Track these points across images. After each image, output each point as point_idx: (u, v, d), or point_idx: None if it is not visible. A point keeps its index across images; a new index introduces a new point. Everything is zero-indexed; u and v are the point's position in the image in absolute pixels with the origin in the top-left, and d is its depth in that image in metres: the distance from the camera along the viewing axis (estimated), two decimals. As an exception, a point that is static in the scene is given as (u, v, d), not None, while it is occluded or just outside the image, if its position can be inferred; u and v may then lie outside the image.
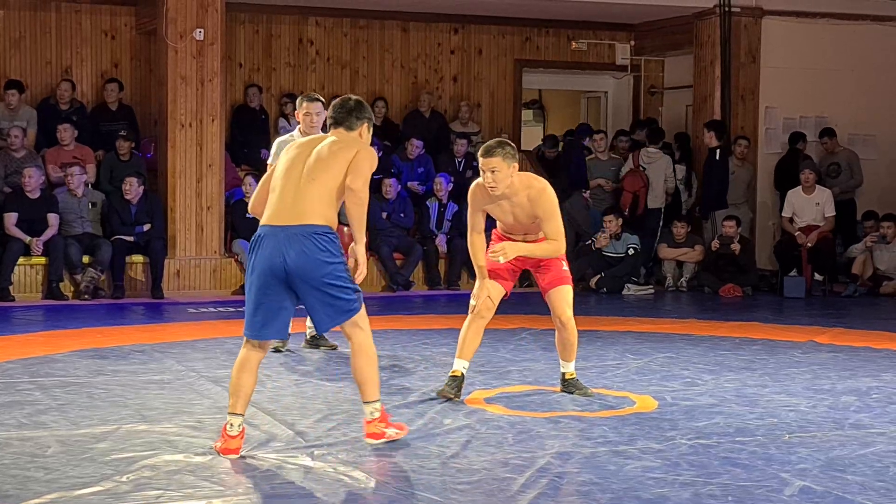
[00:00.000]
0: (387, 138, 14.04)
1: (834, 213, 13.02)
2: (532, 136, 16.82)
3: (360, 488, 4.77)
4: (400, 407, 6.38)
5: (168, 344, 8.65)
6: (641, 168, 13.55)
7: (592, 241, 13.07)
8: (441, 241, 12.97)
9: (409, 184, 13.51)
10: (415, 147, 13.64)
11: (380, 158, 13.33)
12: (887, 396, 6.85)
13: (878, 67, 14.30)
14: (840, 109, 14.18)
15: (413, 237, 13.12)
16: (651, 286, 12.95)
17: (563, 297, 6.56)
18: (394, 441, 5.50)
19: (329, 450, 5.38)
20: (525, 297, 12.50)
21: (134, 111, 13.28)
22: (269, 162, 8.40)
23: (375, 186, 13.16)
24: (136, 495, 4.62)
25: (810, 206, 13.04)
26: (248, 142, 13.62)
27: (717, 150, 13.30)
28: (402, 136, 14.01)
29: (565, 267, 6.64)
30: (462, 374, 6.63)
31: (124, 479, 4.85)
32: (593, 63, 15.65)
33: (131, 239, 11.86)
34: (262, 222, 5.39)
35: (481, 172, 6.32)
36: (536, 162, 14.43)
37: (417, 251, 12.81)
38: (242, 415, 5.30)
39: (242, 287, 12.07)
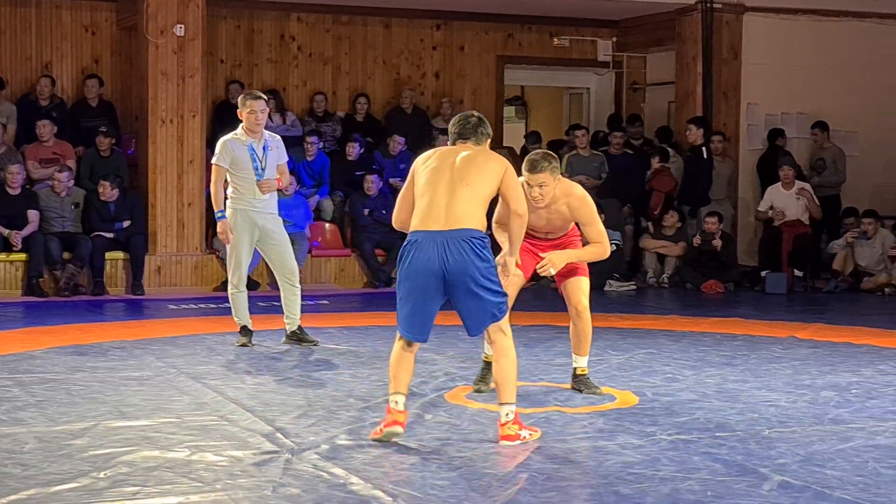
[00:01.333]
0: (369, 135, 14.02)
1: (819, 205, 13.04)
2: (514, 133, 16.81)
3: (339, 485, 4.76)
4: (381, 402, 6.36)
5: (148, 340, 8.62)
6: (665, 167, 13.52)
7: (574, 237, 13.05)
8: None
9: (391, 180, 13.49)
10: (397, 144, 13.62)
11: (361, 155, 13.47)
12: (867, 392, 6.87)
13: (860, 64, 14.34)
14: (822, 106, 14.21)
15: (395, 233, 13.08)
16: (633, 282, 12.95)
17: (579, 286, 6.54)
18: (527, 443, 5.46)
19: (309, 447, 5.37)
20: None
21: (114, 107, 13.22)
22: (213, 162, 8.32)
23: (357, 183, 13.14)
24: (113, 492, 4.60)
25: (791, 201, 13.07)
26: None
27: (703, 147, 13.32)
28: (385, 133, 13.98)
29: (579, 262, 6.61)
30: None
31: (102, 475, 4.82)
32: (576, 59, 15.65)
33: (111, 235, 11.81)
34: (414, 228, 5.63)
35: (526, 187, 6.15)
36: (519, 160, 14.40)
37: (399, 248, 12.76)
38: (405, 393, 5.55)
39: (223, 283, 12.09)
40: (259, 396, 6.54)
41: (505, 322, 5.59)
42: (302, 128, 13.77)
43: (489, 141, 5.88)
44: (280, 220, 8.58)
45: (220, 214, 8.26)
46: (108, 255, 11.78)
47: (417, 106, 14.58)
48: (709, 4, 13.74)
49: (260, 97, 8.32)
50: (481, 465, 5.09)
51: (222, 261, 12.24)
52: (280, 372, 7.37)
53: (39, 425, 5.75)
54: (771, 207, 13.13)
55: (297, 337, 8.45)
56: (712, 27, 13.78)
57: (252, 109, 8.20)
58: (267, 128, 13.85)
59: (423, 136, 14.27)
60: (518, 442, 5.46)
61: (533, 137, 15.09)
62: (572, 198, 6.39)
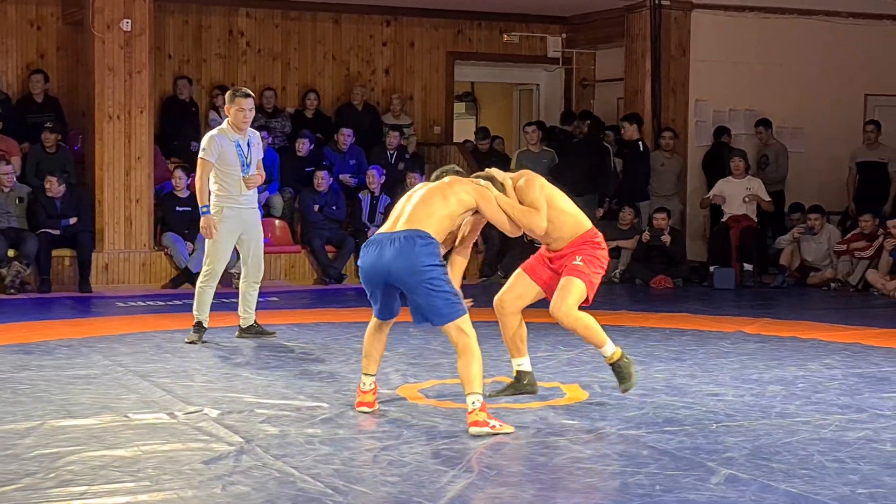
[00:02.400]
0: (319, 131, 13.98)
1: (769, 199, 13.16)
2: (464, 129, 16.83)
3: (289, 482, 4.74)
4: (333, 399, 6.35)
5: (96, 338, 8.54)
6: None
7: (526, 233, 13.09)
8: (374, 234, 12.93)
9: (340, 176, 13.46)
10: (345, 137, 13.59)
11: (311, 151, 13.43)
12: (812, 385, 6.95)
13: (806, 61, 14.49)
14: (769, 103, 14.35)
15: (345, 230, 13.07)
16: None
17: (561, 288, 6.09)
18: (497, 434, 5.51)
19: (259, 444, 5.34)
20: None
21: (60, 103, 13.09)
22: (201, 157, 8.35)
23: (307, 179, 13.10)
24: (60, 491, 4.55)
25: (741, 190, 13.15)
26: (177, 134, 13.48)
27: (640, 141, 13.44)
28: (335, 129, 13.94)
29: (577, 260, 6.12)
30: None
31: (49, 475, 4.77)
32: (525, 56, 15.69)
33: (57, 232, 11.69)
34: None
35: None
36: (469, 154, 14.44)
37: (350, 244, 12.76)
38: (372, 374, 6.02)
39: (172, 280, 12.04)
40: (208, 394, 6.50)
41: (463, 321, 5.64)
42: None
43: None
44: (259, 215, 8.67)
45: (204, 209, 8.31)
46: (55, 252, 11.66)
47: (368, 102, 14.56)
48: (657, 1, 13.82)
49: (249, 95, 8.39)
50: (432, 461, 5.09)
51: (171, 258, 12.17)
52: (229, 369, 7.34)
53: (-16, 425, 5.68)
54: (715, 195, 13.22)
55: (256, 330, 8.53)
56: (661, 24, 13.87)
57: (241, 107, 8.27)
58: (216, 124, 13.88)
59: (373, 132, 14.26)
60: (486, 429, 5.51)
61: (482, 133, 15.12)
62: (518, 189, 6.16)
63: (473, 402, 5.59)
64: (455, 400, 6.43)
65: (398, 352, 7.95)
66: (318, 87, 14.44)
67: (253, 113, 8.43)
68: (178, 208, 12.32)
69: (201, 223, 8.37)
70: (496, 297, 6.34)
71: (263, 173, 8.70)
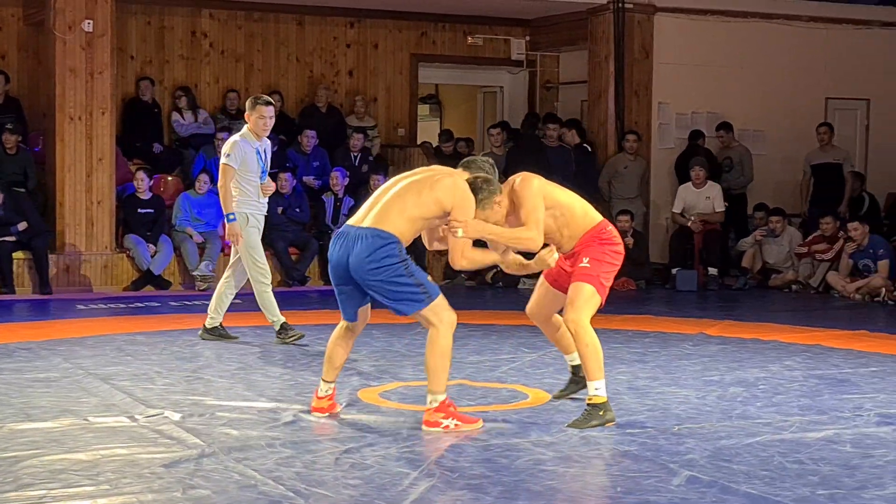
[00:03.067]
0: (282, 133, 13.92)
1: (723, 209, 13.24)
2: (428, 131, 16.82)
3: (250, 486, 4.71)
4: (294, 402, 6.32)
5: (56, 341, 8.47)
6: None
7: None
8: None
9: (304, 178, 13.42)
10: (308, 138, 13.55)
11: (274, 153, 13.36)
12: (773, 387, 6.99)
13: (767, 64, 14.59)
14: (731, 105, 14.44)
15: (309, 232, 13.03)
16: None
17: (570, 296, 5.88)
18: (449, 430, 5.60)
19: (220, 447, 5.31)
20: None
21: (21, 103, 12.97)
22: (225, 163, 8.34)
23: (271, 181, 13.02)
24: (18, 495, 4.50)
25: (701, 201, 13.26)
26: (140, 135, 13.40)
27: (584, 146, 13.60)
28: (298, 131, 13.90)
29: (585, 262, 5.89)
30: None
31: (7, 479, 4.72)
32: (489, 58, 15.71)
33: (13, 239, 11.51)
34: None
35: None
36: (433, 156, 14.44)
37: (313, 246, 12.73)
38: (330, 381, 6.02)
39: (134, 283, 11.95)
40: (169, 397, 6.46)
41: (431, 310, 5.64)
42: (214, 125, 13.65)
43: (474, 176, 5.85)
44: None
45: (231, 217, 8.36)
46: (14, 254, 11.53)
47: (332, 104, 14.53)
48: (620, 4, 13.87)
49: (270, 103, 8.46)
50: (394, 464, 5.08)
51: (132, 260, 12.09)
52: (190, 372, 7.29)
53: (-58, 429, 5.62)
54: (683, 212, 13.27)
55: (219, 333, 8.59)
56: (624, 27, 13.92)
57: (261, 115, 8.33)
58: (179, 125, 13.83)
59: (337, 134, 14.22)
60: (439, 429, 5.57)
61: (446, 136, 15.11)
62: (513, 192, 5.89)
63: (430, 402, 5.67)
64: (417, 402, 6.42)
65: (361, 354, 7.94)
66: (281, 88, 14.39)
67: (273, 120, 8.47)
68: (139, 210, 12.24)
69: (228, 230, 8.47)
70: (527, 307, 6.41)
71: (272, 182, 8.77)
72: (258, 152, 8.40)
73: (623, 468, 5.06)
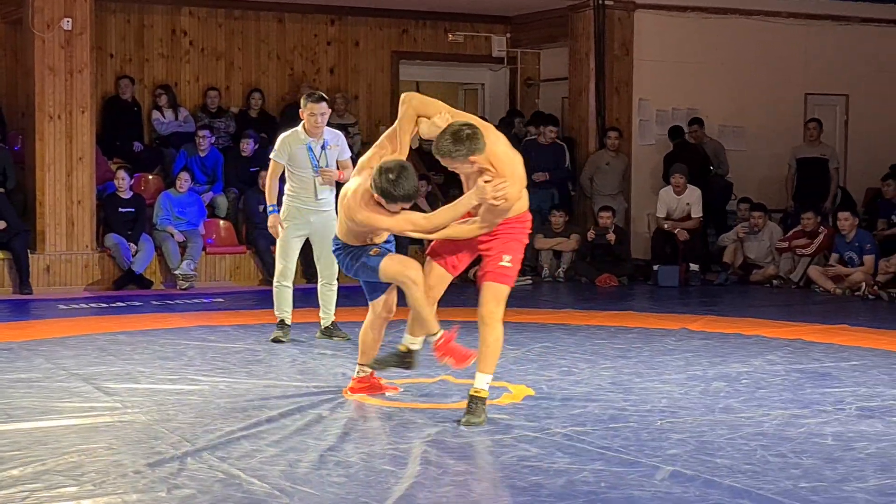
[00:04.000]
0: (263, 130, 13.89)
1: (701, 215, 13.28)
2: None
3: (234, 484, 4.71)
4: (278, 398, 6.32)
5: (37, 341, 8.43)
6: None
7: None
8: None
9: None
10: (290, 138, 13.50)
11: (256, 151, 13.36)
12: (755, 382, 7.02)
13: (747, 61, 14.64)
14: (711, 102, 14.48)
15: (290, 230, 12.98)
16: (528, 277, 13.05)
17: (490, 293, 5.83)
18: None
19: (204, 446, 5.30)
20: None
21: (0, 102, 12.90)
22: (272, 157, 8.41)
23: (252, 179, 13.02)
24: (2, 496, 4.48)
25: (681, 206, 13.31)
26: (120, 134, 13.35)
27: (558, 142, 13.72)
28: (279, 128, 13.85)
29: (506, 261, 5.81)
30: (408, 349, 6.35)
31: (-11, 480, 4.70)
32: (470, 55, 15.72)
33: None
34: None
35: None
36: (415, 156, 14.41)
37: (295, 244, 12.69)
38: (364, 365, 6.44)
39: (115, 282, 11.92)
40: (152, 396, 6.45)
41: (387, 265, 5.95)
42: (195, 124, 13.61)
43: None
44: (333, 217, 8.49)
45: (271, 208, 8.39)
46: (-5, 254, 11.51)
47: (313, 102, 14.47)
48: (601, 1, 13.89)
49: (322, 99, 8.36)
50: (379, 461, 5.08)
51: (114, 259, 12.05)
52: (174, 371, 7.27)
53: (-77, 430, 5.60)
54: (668, 217, 13.29)
55: (330, 332, 8.53)
56: (604, 24, 13.94)
57: (312, 112, 8.25)
58: (159, 124, 13.78)
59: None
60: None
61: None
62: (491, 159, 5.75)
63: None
64: (402, 400, 6.43)
65: (345, 352, 7.93)
66: (262, 86, 14.36)
67: (325, 116, 8.33)
68: (120, 209, 12.20)
69: (269, 222, 8.44)
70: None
71: (346, 172, 8.40)
72: (310, 148, 8.30)
73: (607, 463, 5.07)
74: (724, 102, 14.56)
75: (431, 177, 13.98)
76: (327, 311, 8.57)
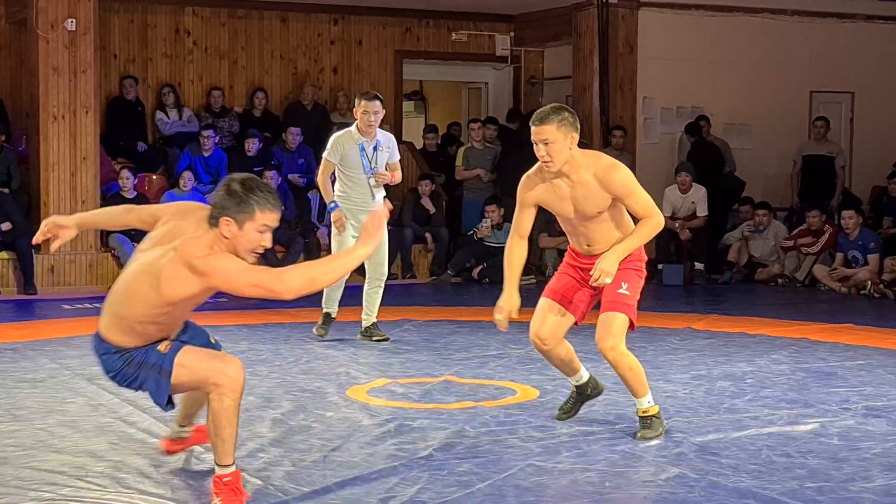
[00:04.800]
0: (267, 130, 13.90)
1: (706, 213, 13.25)
2: (414, 128, 16.82)
3: (238, 485, 4.69)
4: (281, 398, 6.31)
5: (41, 341, 8.43)
6: None
7: (475, 230, 13.12)
8: (323, 234, 12.89)
9: (289, 176, 13.39)
10: (293, 136, 13.52)
11: (260, 150, 13.35)
12: (761, 381, 7.00)
13: (752, 59, 14.61)
14: (715, 100, 14.45)
15: (294, 230, 13.00)
16: (533, 276, 13.02)
17: (607, 323, 5.41)
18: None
19: (207, 446, 5.28)
20: (407, 287, 12.53)
21: (4, 103, 12.91)
22: (324, 156, 8.35)
23: (256, 179, 12.99)
24: (7, 499, 4.48)
25: (686, 204, 13.29)
26: (124, 134, 13.35)
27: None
28: (283, 128, 13.87)
29: (624, 288, 5.39)
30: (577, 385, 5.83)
31: (-7, 481, 4.70)
32: (474, 54, 15.70)
33: (-3, 239, 11.50)
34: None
35: (535, 147, 5.27)
36: (419, 155, 14.44)
37: (299, 244, 12.71)
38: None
39: (120, 282, 11.89)
40: (156, 397, 6.42)
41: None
42: (198, 123, 13.61)
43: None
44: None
45: (332, 205, 8.30)
46: (-2, 255, 11.51)
47: (317, 102, 14.49)
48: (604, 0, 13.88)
49: (376, 98, 8.27)
50: (383, 462, 5.07)
51: (118, 259, 12.05)
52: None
53: (-72, 431, 5.59)
54: (673, 215, 13.26)
55: (370, 333, 8.43)
56: (608, 22, 13.92)
57: (366, 110, 8.18)
58: (163, 124, 13.77)
59: (322, 131, 14.17)
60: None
61: (432, 132, 15.11)
62: (599, 167, 5.29)
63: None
64: (406, 400, 6.42)
65: (348, 352, 7.93)
66: (265, 85, 14.36)
67: (378, 116, 8.24)
68: (124, 209, 12.18)
69: (332, 217, 8.31)
70: (532, 335, 5.58)
71: (397, 174, 8.43)
72: (362, 149, 8.24)
73: (611, 463, 5.05)
74: (729, 100, 14.53)
75: (434, 176, 13.97)
76: (370, 311, 8.46)
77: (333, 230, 8.34)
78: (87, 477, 4.77)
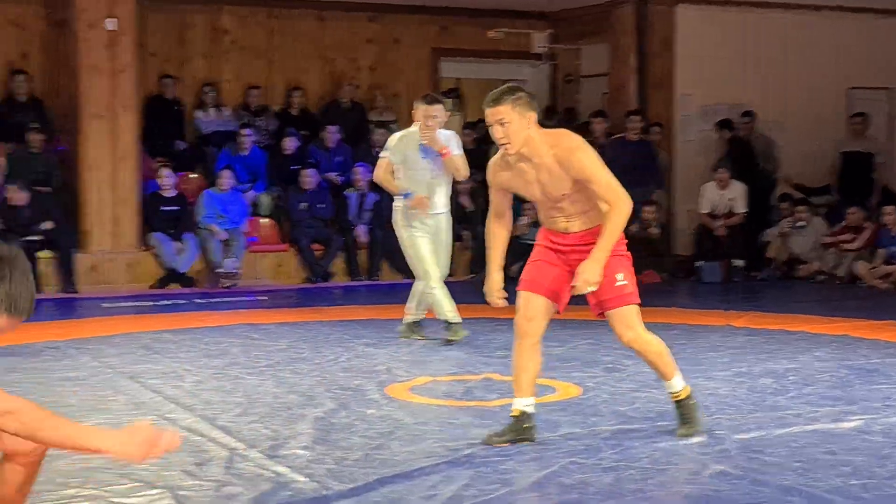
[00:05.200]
0: (304, 129, 13.94)
1: (746, 210, 13.19)
2: (450, 126, 16.78)
3: (282, 482, 4.72)
4: (323, 396, 6.33)
5: (83, 340, 8.50)
6: None
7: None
8: (361, 232, 12.92)
9: (327, 174, 13.42)
10: (330, 134, 13.55)
11: (297, 149, 13.39)
12: (803, 378, 6.96)
13: (789, 54, 14.52)
14: (753, 96, 14.37)
15: (332, 228, 13.04)
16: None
17: (620, 319, 5.28)
18: None
19: (251, 445, 5.32)
20: (446, 285, 12.54)
21: (45, 103, 13.01)
22: (383, 155, 8.30)
23: (293, 177, 13.06)
24: (53, 494, 4.51)
25: (724, 201, 13.23)
26: (162, 133, 13.43)
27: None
28: (320, 126, 13.91)
29: (620, 280, 5.21)
30: (522, 412, 5.33)
31: (41, 478, 4.72)
32: (510, 51, 15.68)
33: (39, 238, 11.55)
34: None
35: (489, 128, 5.16)
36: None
37: (337, 242, 12.74)
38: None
39: (160, 281, 11.99)
40: (198, 395, 6.48)
41: None
42: (236, 122, 13.67)
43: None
44: (449, 219, 8.45)
45: (405, 193, 8.18)
46: (38, 254, 11.58)
47: (354, 100, 14.52)
48: (642, -3, 13.84)
49: (437, 101, 8.22)
50: (424, 460, 5.07)
51: (157, 258, 12.13)
52: (219, 370, 7.30)
53: (-26, 428, 5.64)
54: (713, 213, 13.19)
55: (411, 330, 8.39)
56: (645, 19, 13.87)
57: (426, 114, 8.11)
58: (202, 122, 13.83)
59: (359, 130, 14.22)
60: None
61: (469, 129, 15.10)
62: (559, 148, 5.08)
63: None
64: (448, 397, 6.42)
65: (388, 349, 7.94)
66: (302, 84, 14.40)
67: (438, 119, 8.12)
68: (163, 208, 12.28)
69: (414, 203, 8.15)
70: (518, 317, 5.33)
71: (461, 170, 8.30)
72: (423, 149, 8.17)
73: (653, 460, 5.03)
74: (766, 97, 14.44)
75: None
76: (419, 309, 8.41)
77: (402, 223, 8.26)
78: (131, 475, 4.79)
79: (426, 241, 8.28)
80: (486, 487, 4.65)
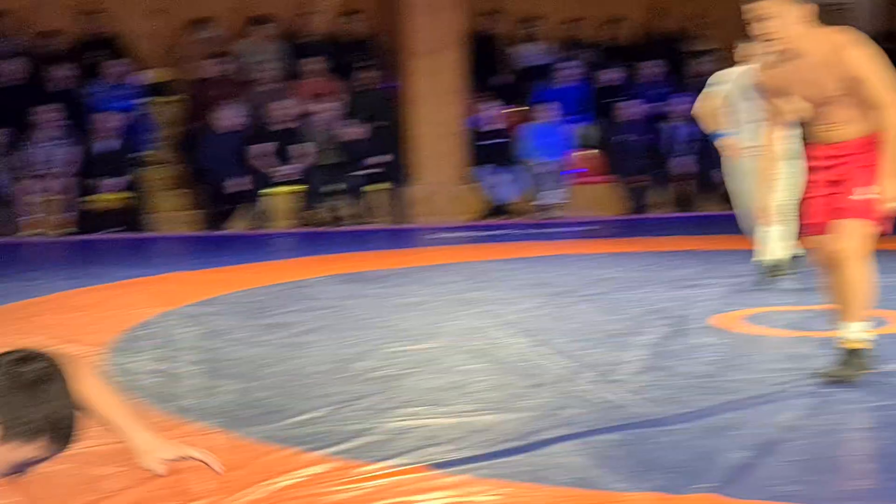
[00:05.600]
0: (625, 61, 13.78)
1: None
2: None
3: (617, 405, 4.69)
4: (652, 325, 6.26)
5: (414, 269, 8.79)
6: None
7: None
8: (679, 162, 12.68)
9: (645, 106, 13.25)
10: (650, 68, 13.32)
11: (616, 81, 13.19)
12: None
13: None
14: None
15: (652, 159, 12.87)
16: None
17: (839, 229, 4.78)
18: None
19: (584, 368, 5.33)
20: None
21: (376, 41, 13.41)
22: (717, 90, 8.01)
23: (613, 110, 12.92)
24: (396, 412, 4.67)
25: None
26: (485, 68, 13.59)
27: None
28: (640, 59, 13.69)
29: (857, 193, 4.74)
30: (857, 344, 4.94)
31: (390, 396, 4.92)
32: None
33: (376, 171, 12.04)
34: None
35: (752, 25, 4.81)
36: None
37: (657, 173, 12.60)
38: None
39: (486, 213, 12.22)
40: (530, 321, 6.56)
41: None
42: (556, 56, 13.69)
43: None
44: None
45: (723, 134, 7.99)
46: (371, 186, 12.06)
47: (672, 30, 14.16)
48: None
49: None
50: (759, 388, 4.93)
51: (481, 191, 12.38)
52: (548, 297, 7.36)
53: (322, 348, 5.95)
54: None
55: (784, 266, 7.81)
56: None
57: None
58: (523, 57, 13.86)
59: (678, 62, 13.88)
60: None
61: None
62: (831, 44, 4.69)
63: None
64: (784, 328, 6.23)
65: (717, 277, 7.78)
66: (622, 15, 14.19)
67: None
68: (487, 142, 12.49)
69: (725, 144, 7.96)
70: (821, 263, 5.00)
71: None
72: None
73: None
74: None
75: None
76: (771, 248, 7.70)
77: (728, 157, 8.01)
78: (466, 396, 4.90)
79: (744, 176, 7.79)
80: (830, 416, 4.48)
